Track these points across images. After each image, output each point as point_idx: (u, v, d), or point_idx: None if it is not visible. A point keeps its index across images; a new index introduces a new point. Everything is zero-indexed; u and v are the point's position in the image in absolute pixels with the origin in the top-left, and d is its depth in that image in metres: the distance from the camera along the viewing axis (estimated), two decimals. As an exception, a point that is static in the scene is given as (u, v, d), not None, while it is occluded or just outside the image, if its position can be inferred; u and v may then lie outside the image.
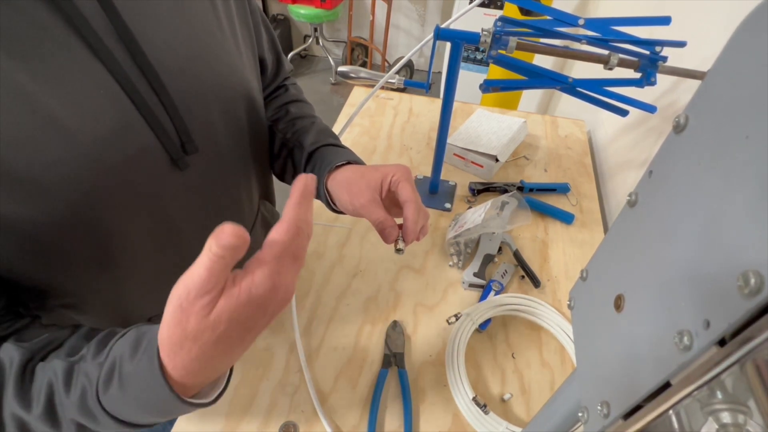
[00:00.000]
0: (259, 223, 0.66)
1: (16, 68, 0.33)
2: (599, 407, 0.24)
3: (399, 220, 0.48)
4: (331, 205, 0.55)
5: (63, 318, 0.46)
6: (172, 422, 0.56)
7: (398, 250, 0.47)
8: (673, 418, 0.21)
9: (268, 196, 0.71)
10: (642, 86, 0.61)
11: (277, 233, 0.32)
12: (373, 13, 2.65)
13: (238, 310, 0.29)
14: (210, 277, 0.28)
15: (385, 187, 0.49)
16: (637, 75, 0.61)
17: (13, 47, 0.33)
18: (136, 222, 0.44)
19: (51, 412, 0.35)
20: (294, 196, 0.33)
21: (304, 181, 0.34)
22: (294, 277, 0.32)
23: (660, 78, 0.60)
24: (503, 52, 0.61)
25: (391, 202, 0.51)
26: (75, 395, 0.34)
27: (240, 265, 0.31)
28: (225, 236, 0.28)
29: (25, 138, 0.34)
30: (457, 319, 0.65)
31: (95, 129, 0.37)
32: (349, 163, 0.54)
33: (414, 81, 0.70)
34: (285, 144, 0.61)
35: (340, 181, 0.52)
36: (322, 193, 0.54)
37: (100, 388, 0.33)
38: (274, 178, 0.71)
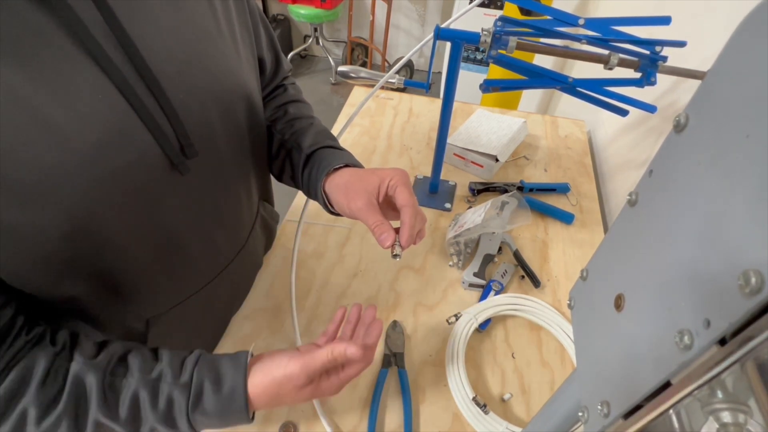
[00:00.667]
0: (259, 224, 0.66)
1: (14, 73, 0.33)
2: (599, 407, 0.24)
3: (396, 224, 0.48)
4: (329, 207, 0.55)
5: (60, 320, 0.46)
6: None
7: (395, 256, 0.47)
8: (674, 418, 0.21)
9: (266, 197, 0.71)
10: (642, 86, 0.61)
11: (360, 364, 0.47)
12: (373, 13, 2.65)
13: (317, 394, 0.46)
14: (321, 370, 0.44)
15: (383, 191, 0.49)
16: (637, 75, 0.61)
17: (10, 52, 0.32)
18: (136, 226, 0.43)
19: (134, 419, 0.41)
20: (375, 334, 0.49)
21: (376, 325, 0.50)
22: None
23: (660, 78, 0.60)
24: (503, 51, 0.61)
25: (388, 206, 0.51)
26: (161, 409, 0.41)
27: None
28: (353, 352, 0.43)
29: (23, 143, 0.33)
30: (457, 319, 0.65)
31: (94, 133, 0.37)
32: (347, 166, 0.54)
33: (414, 81, 0.70)
34: (283, 145, 0.61)
35: (337, 183, 0.52)
36: (320, 196, 0.54)
37: (190, 409, 0.41)
38: (272, 179, 0.71)
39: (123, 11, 0.38)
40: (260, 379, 0.43)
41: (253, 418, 0.45)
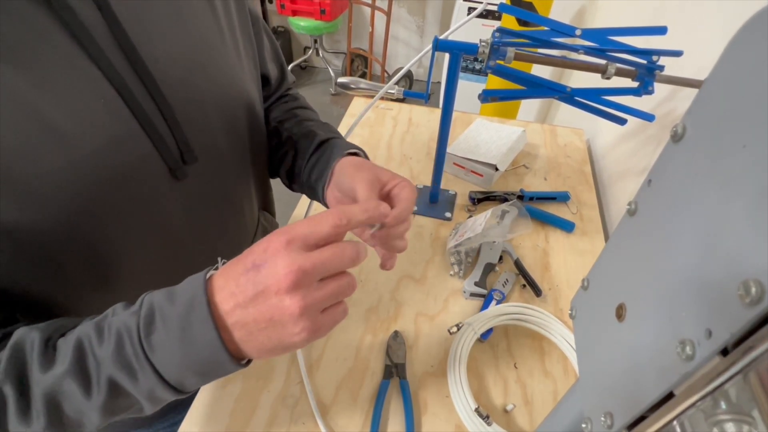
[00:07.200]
0: (260, 234, 0.66)
1: (16, 76, 0.33)
2: (603, 418, 0.24)
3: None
4: (322, 192, 0.52)
5: None
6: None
7: (372, 227, 0.42)
8: (678, 429, 0.21)
9: (267, 207, 0.71)
10: (640, 95, 0.62)
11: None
12: (372, 25, 2.67)
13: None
14: (319, 234, 0.33)
15: (389, 186, 0.45)
16: (635, 84, 0.62)
17: (13, 55, 0.33)
18: (134, 233, 0.43)
19: (81, 369, 0.32)
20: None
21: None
22: (322, 321, 0.33)
23: (658, 86, 0.61)
24: (501, 62, 0.61)
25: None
26: (110, 345, 0.32)
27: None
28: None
29: (24, 145, 0.34)
30: (458, 329, 0.65)
31: (93, 138, 0.37)
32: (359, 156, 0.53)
33: (413, 91, 0.71)
34: (290, 138, 0.60)
35: (352, 161, 0.50)
36: (326, 174, 0.51)
37: (142, 332, 0.32)
38: (273, 189, 0.71)
39: (126, 17, 0.38)
40: (224, 276, 0.33)
41: (227, 345, 0.32)
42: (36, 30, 0.34)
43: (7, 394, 0.32)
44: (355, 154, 0.54)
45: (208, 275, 0.33)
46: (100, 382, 0.32)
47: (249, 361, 0.34)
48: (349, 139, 0.60)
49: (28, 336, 0.34)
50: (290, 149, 0.59)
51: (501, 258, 0.76)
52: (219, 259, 0.35)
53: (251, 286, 0.31)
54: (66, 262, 0.40)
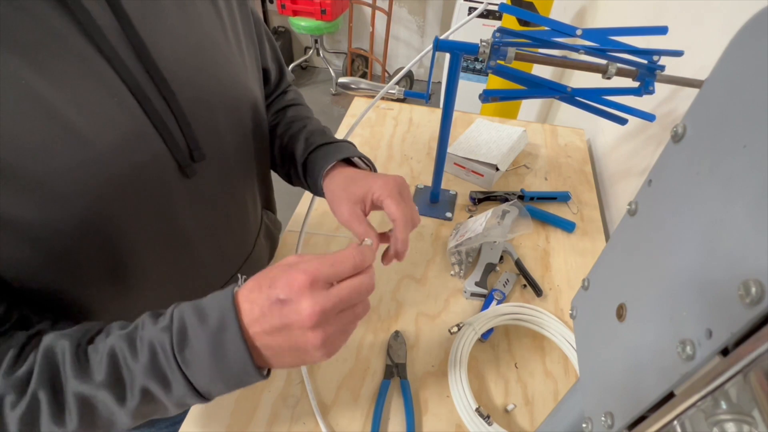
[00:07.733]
0: (263, 231, 0.66)
1: (36, 76, 0.33)
2: (603, 418, 0.24)
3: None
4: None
5: (61, 322, 0.46)
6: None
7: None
8: (678, 429, 0.21)
9: (269, 205, 0.71)
10: (640, 95, 0.62)
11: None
12: (372, 25, 2.67)
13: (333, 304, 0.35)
14: (331, 271, 0.35)
15: (368, 203, 0.47)
16: (636, 84, 0.62)
17: (30, 55, 0.33)
18: (145, 229, 0.44)
19: (116, 380, 0.34)
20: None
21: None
22: (335, 338, 0.36)
23: (658, 86, 0.61)
24: (502, 62, 0.61)
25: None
26: (144, 357, 0.34)
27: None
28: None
29: (41, 144, 0.34)
30: (459, 329, 0.65)
31: (109, 136, 0.38)
32: (338, 163, 0.54)
33: (414, 91, 0.71)
34: (283, 150, 0.61)
35: (329, 190, 0.52)
36: (320, 193, 0.55)
37: (176, 347, 0.34)
38: (273, 187, 0.71)
39: (138, 18, 0.39)
40: (249, 301, 0.35)
41: (255, 361, 0.34)
42: (52, 30, 0.34)
43: (41, 399, 0.34)
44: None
45: (233, 292, 0.35)
46: (134, 390, 0.34)
47: (269, 372, 0.37)
48: (350, 140, 0.60)
49: (57, 343, 0.36)
50: (290, 165, 0.61)
51: (502, 258, 0.76)
52: (240, 276, 0.37)
53: (276, 318, 0.33)
54: (81, 258, 0.41)
